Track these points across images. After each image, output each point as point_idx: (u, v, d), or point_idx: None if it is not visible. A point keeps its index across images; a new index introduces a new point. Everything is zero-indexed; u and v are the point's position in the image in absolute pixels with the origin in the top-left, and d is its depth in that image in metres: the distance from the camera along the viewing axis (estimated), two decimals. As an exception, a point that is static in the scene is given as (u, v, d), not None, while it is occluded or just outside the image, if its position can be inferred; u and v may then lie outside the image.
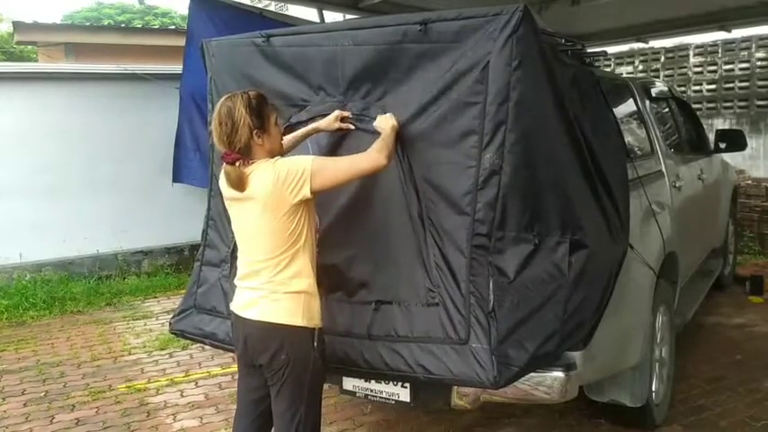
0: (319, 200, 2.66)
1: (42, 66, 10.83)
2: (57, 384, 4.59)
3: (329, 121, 2.74)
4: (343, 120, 2.73)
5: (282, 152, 2.51)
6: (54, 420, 4.03)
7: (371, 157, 2.41)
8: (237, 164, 2.32)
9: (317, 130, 2.79)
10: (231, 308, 2.50)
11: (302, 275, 2.38)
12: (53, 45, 13.31)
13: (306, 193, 2.31)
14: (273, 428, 2.48)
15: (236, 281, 2.50)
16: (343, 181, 2.45)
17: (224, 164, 2.35)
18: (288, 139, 2.73)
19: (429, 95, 2.53)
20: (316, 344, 2.39)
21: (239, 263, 2.48)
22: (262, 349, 2.37)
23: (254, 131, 2.32)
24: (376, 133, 2.54)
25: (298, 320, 2.35)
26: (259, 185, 2.31)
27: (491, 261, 2.45)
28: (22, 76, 7.14)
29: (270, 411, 2.49)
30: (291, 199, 2.30)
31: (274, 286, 2.35)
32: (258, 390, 2.50)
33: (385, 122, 2.56)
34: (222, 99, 2.39)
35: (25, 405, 4.27)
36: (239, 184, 2.32)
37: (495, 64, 2.39)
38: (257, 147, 2.35)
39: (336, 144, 2.79)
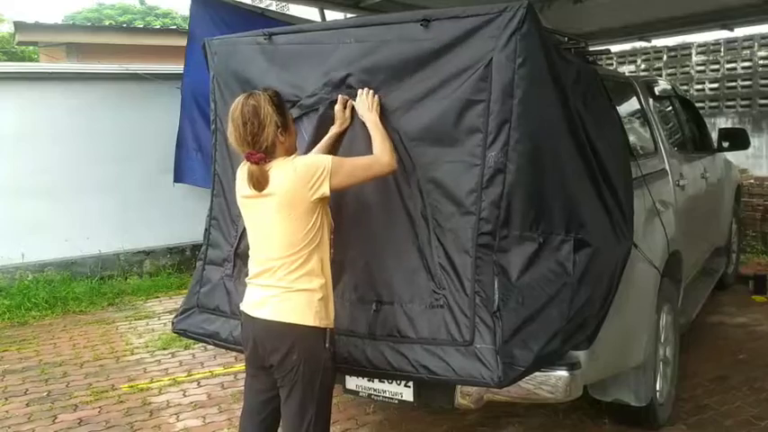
0: None
1: (44, 66, 10.83)
2: (59, 384, 4.58)
3: (341, 121, 2.72)
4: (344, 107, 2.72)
5: (296, 150, 2.50)
6: (56, 420, 4.03)
7: (386, 162, 2.46)
8: (261, 163, 2.29)
9: (337, 134, 2.75)
10: (241, 307, 2.48)
11: (316, 275, 2.36)
12: (54, 45, 13.33)
13: (325, 190, 2.31)
14: (282, 430, 2.46)
15: (247, 279, 2.48)
16: (359, 181, 2.49)
17: (247, 164, 2.31)
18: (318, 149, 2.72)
19: (432, 93, 2.53)
20: (328, 344, 2.37)
21: (251, 261, 2.46)
22: (272, 349, 2.34)
23: (279, 129, 2.32)
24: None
25: (309, 320, 2.33)
26: (278, 182, 2.30)
27: (496, 260, 2.44)
28: (24, 77, 7.13)
29: (277, 412, 2.48)
30: (310, 196, 2.30)
31: (287, 284, 2.32)
32: (266, 391, 2.48)
33: (367, 112, 2.57)
34: (241, 98, 2.35)
35: (28, 405, 4.26)
36: (262, 183, 2.30)
37: (498, 61, 2.38)
38: (279, 145, 2.34)
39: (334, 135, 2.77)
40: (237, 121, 2.30)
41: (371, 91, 2.62)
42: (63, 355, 5.15)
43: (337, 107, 2.71)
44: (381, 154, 2.47)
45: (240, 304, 2.50)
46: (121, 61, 7.92)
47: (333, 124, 2.74)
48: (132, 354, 5.16)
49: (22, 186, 6.77)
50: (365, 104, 2.61)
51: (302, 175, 2.29)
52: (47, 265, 6.94)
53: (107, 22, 22.62)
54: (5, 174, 6.74)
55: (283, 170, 2.31)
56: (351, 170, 2.40)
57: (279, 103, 2.37)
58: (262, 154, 2.29)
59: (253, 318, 2.39)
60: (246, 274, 2.51)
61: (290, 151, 2.41)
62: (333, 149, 2.70)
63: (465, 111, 2.46)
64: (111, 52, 11.75)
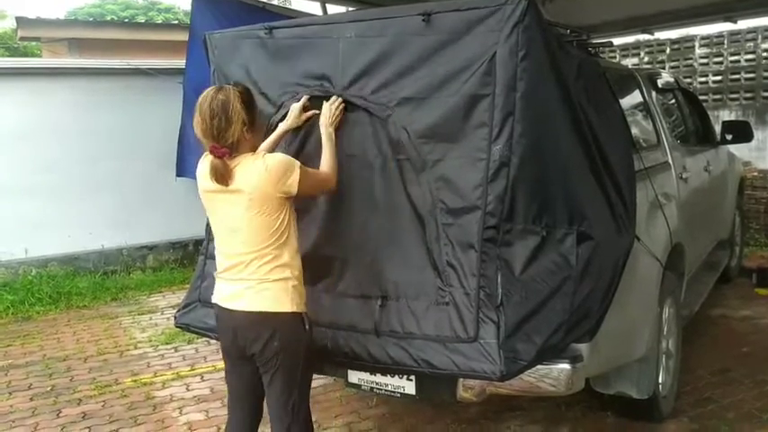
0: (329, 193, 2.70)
1: (46, 61, 10.82)
2: (63, 379, 4.60)
3: (295, 117, 2.77)
4: (306, 108, 2.77)
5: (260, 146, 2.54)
6: (60, 414, 4.05)
7: (334, 183, 2.58)
8: (225, 158, 2.32)
9: (287, 131, 2.81)
10: (214, 300, 2.52)
11: (289, 266, 2.41)
12: (57, 41, 13.28)
13: (293, 192, 2.36)
14: (270, 415, 2.51)
15: (216, 274, 2.51)
16: (312, 194, 2.61)
17: (211, 157, 2.33)
18: (267, 144, 2.77)
19: (438, 90, 2.51)
20: (307, 326, 2.43)
21: (218, 255, 2.49)
22: (253, 339, 2.39)
23: (245, 127, 2.34)
24: (370, 120, 2.63)
25: (287, 307, 2.38)
26: (248, 180, 2.32)
27: (499, 254, 2.44)
28: (26, 72, 7.15)
29: (260, 400, 2.54)
30: (278, 194, 2.34)
31: (261, 276, 2.36)
32: (249, 380, 2.52)
33: (325, 125, 2.64)
34: (211, 91, 2.36)
35: (32, 399, 4.29)
36: (226, 178, 2.32)
37: (501, 54, 2.37)
38: (245, 142, 2.37)
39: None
40: (205, 114, 2.31)
41: (338, 102, 2.67)
42: (67, 350, 5.17)
43: (297, 105, 2.77)
44: (332, 174, 2.57)
45: (212, 298, 2.53)
46: (124, 56, 7.92)
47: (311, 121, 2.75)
48: (136, 348, 5.17)
49: (24, 182, 6.78)
50: (325, 116, 2.66)
51: (274, 173, 2.32)
52: (50, 260, 6.96)
53: (109, 18, 22.60)
54: (8, 169, 6.75)
55: (253, 168, 2.33)
56: (312, 182, 2.47)
57: (248, 99, 2.39)
58: (226, 149, 2.31)
59: (230, 310, 2.43)
60: None
61: (255, 148, 2.44)
62: (279, 147, 2.78)
63: (473, 106, 2.45)
64: (113, 47, 11.73)
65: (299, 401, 2.45)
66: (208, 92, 2.36)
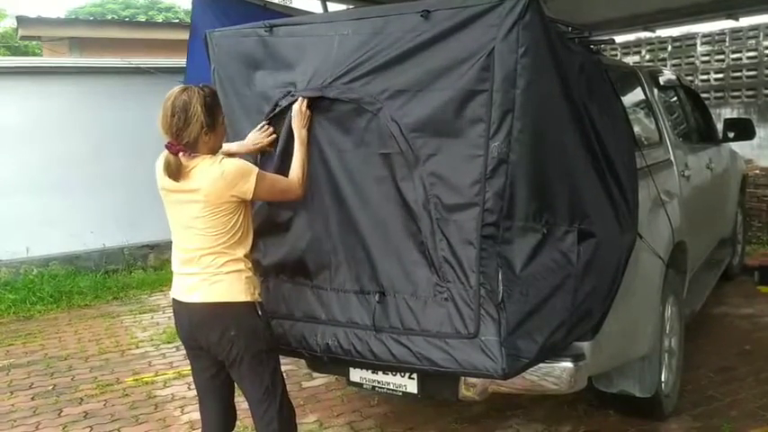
0: (322, 188, 2.72)
1: (47, 60, 10.82)
2: (64, 378, 4.60)
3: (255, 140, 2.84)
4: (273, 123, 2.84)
5: (220, 148, 2.58)
6: (62, 414, 4.04)
7: (299, 193, 2.64)
8: (180, 155, 2.36)
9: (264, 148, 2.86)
10: (171, 295, 2.55)
11: (242, 261, 2.48)
12: (57, 40, 13.30)
13: (247, 197, 2.42)
14: (248, 404, 2.56)
15: (173, 268, 2.55)
16: (275, 200, 2.69)
17: (166, 152, 2.38)
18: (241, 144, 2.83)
19: (433, 84, 2.50)
20: (260, 313, 2.48)
21: (175, 251, 2.53)
22: (208, 330, 2.44)
23: (204, 129, 2.38)
24: (362, 116, 2.63)
25: (241, 296, 2.44)
26: (204, 180, 2.37)
27: (499, 252, 2.43)
28: (27, 71, 7.16)
29: (228, 380, 2.59)
30: (232, 198, 2.39)
31: (215, 270, 2.42)
32: (211, 367, 2.57)
33: (299, 127, 2.68)
34: (176, 90, 2.41)
35: (33, 399, 4.29)
36: (177, 174, 2.37)
37: (500, 51, 2.35)
38: (203, 144, 2.41)
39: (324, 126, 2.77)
40: (167, 111, 2.37)
41: (305, 102, 2.68)
42: (68, 349, 5.17)
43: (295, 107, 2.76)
44: (298, 182, 2.62)
45: (170, 293, 2.57)
46: (124, 55, 7.91)
47: (329, 117, 2.73)
48: (137, 347, 5.17)
49: (26, 181, 6.79)
50: (298, 118, 2.69)
51: (229, 179, 2.38)
52: (51, 259, 6.97)
53: (110, 17, 22.61)
54: (9, 169, 6.75)
55: (210, 172, 2.38)
56: (269, 189, 2.53)
57: (211, 103, 2.42)
58: (181, 147, 2.37)
59: (186, 303, 2.47)
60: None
61: (215, 150, 2.48)
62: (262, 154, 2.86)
63: (468, 101, 2.43)
64: (113, 46, 11.73)
65: (272, 385, 2.51)
66: (174, 90, 2.42)
